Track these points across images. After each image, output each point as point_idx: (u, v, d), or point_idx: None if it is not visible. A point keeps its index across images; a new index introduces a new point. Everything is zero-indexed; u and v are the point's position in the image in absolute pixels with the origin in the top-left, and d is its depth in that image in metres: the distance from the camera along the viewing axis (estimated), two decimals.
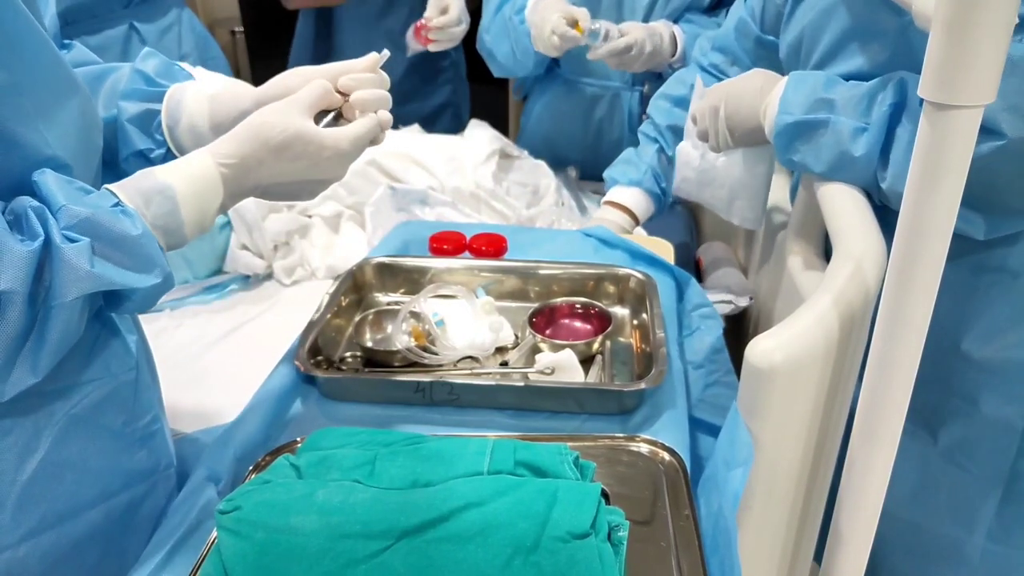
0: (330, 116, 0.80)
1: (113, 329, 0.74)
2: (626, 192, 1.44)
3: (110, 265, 0.64)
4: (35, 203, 0.62)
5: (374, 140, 0.82)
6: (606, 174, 1.50)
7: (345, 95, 0.81)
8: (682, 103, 1.40)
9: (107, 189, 0.68)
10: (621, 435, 0.87)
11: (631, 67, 1.61)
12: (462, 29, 1.85)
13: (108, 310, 0.70)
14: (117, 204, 0.66)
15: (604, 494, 0.70)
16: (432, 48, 1.86)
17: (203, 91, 0.84)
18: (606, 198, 1.47)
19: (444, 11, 1.81)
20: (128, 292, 0.66)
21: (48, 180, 0.63)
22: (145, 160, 0.83)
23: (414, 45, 1.88)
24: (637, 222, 1.44)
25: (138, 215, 0.66)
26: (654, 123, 1.47)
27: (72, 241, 0.61)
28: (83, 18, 1.59)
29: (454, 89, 2.34)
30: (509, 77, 1.93)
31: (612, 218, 1.42)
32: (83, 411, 0.71)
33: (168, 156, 0.83)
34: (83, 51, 0.89)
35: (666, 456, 0.83)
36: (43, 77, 0.65)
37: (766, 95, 1.07)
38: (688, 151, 1.31)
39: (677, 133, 1.41)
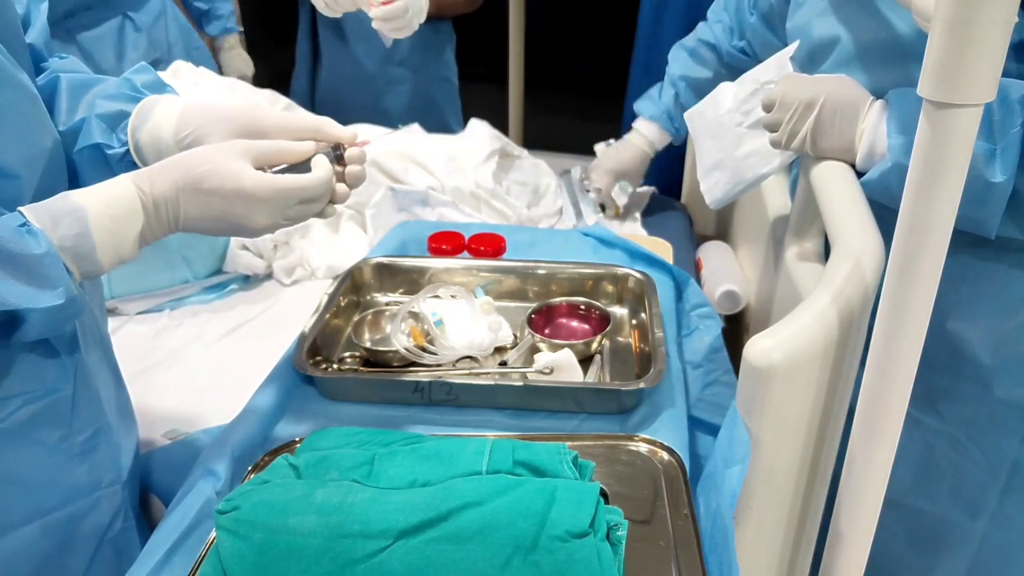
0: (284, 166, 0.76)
1: (42, 342, 0.72)
2: (648, 125, 1.64)
3: (5, 284, 0.61)
4: None
5: (314, 203, 0.76)
6: (635, 105, 1.66)
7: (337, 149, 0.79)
8: (694, 55, 1.52)
9: (18, 211, 0.65)
10: (620, 434, 0.87)
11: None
12: (415, 15, 1.53)
13: (10, 336, 0.67)
14: (24, 224, 0.63)
15: (603, 493, 0.70)
16: (387, 33, 1.53)
17: (179, 101, 0.82)
18: (635, 124, 1.66)
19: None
20: (25, 313, 0.63)
21: None
22: (100, 154, 0.80)
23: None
24: (654, 149, 1.66)
25: (44, 234, 0.64)
26: (669, 72, 1.57)
27: None
28: (79, 10, 1.66)
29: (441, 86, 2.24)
30: None
31: (637, 142, 1.64)
32: (12, 426, 0.70)
33: (126, 157, 0.80)
34: (77, 64, 0.87)
35: (665, 455, 0.83)
36: None
37: (862, 116, 0.93)
38: (726, 96, 1.19)
39: (689, 83, 1.54)
